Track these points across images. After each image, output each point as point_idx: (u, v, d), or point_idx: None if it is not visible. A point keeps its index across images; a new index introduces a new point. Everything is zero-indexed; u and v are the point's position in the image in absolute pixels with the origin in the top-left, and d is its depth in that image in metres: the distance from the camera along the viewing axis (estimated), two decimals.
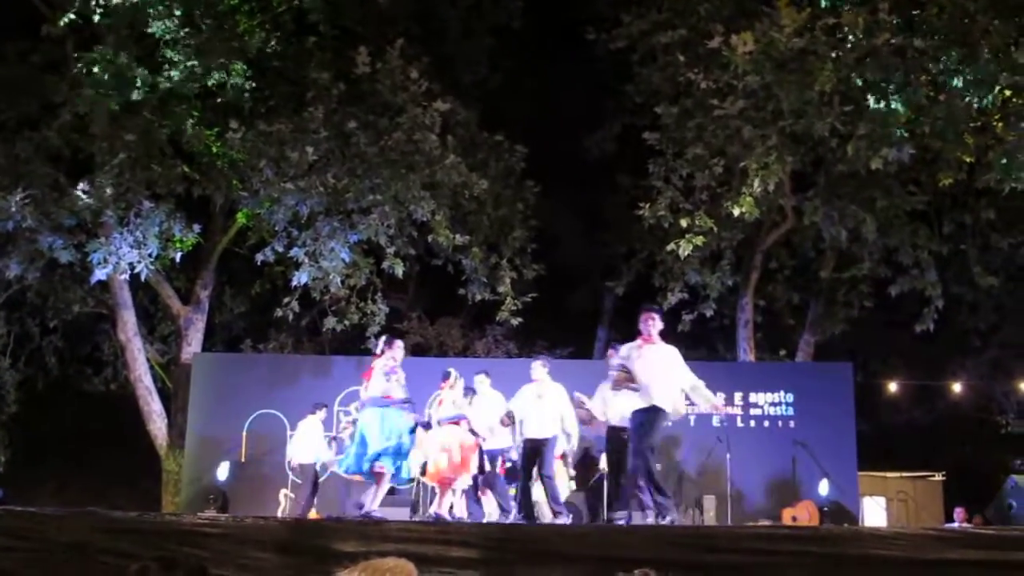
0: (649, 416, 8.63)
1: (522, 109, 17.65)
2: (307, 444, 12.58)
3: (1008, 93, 11.34)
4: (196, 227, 14.09)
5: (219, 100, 14.49)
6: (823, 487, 13.60)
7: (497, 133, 15.16)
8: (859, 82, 11.75)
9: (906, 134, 11.84)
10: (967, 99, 11.47)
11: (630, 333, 22.19)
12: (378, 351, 9.63)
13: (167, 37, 13.52)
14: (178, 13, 13.54)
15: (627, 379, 8.83)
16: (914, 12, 11.93)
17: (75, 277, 15.74)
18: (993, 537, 5.85)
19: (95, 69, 13.13)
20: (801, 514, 13.21)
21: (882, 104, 11.52)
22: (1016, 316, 18.75)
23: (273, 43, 15.04)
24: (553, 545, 4.89)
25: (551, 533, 6.37)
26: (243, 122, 13.54)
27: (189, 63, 13.37)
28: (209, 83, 13.72)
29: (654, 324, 8.90)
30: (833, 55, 11.68)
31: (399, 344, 9.79)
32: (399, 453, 9.34)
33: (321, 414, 12.92)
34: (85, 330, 19.14)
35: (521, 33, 16.98)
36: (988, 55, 11.07)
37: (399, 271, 13.94)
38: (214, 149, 14.39)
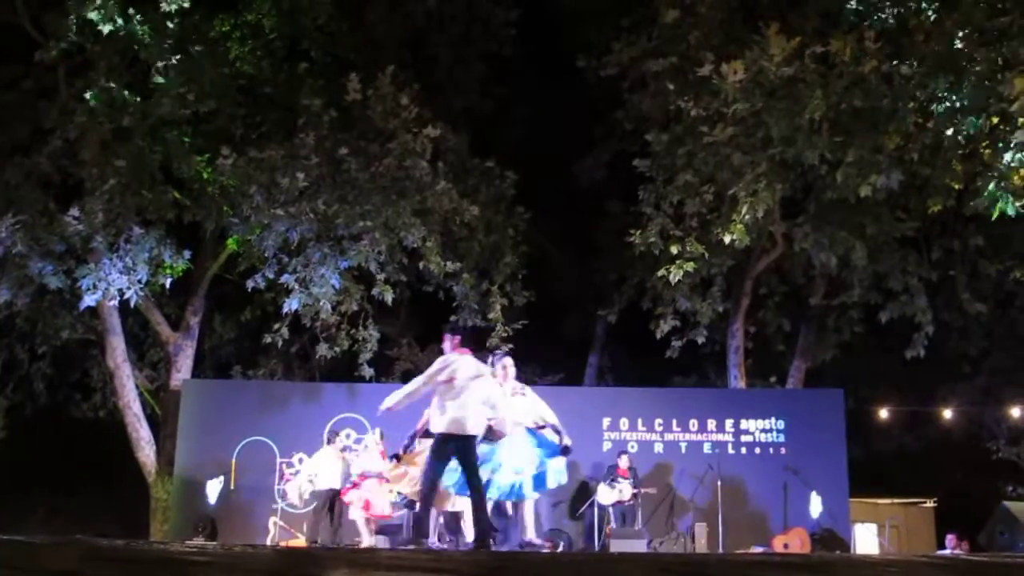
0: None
1: (513, 135, 17.71)
2: (328, 471, 12.24)
3: (996, 120, 11.40)
4: (186, 253, 14.08)
5: (210, 126, 14.52)
6: (815, 505, 13.57)
7: (488, 159, 15.21)
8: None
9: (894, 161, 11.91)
10: (955, 126, 11.55)
11: (622, 359, 22.25)
12: (497, 377, 9.28)
13: (158, 64, 13.57)
14: (170, 40, 13.59)
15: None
16: (901, 40, 12.02)
17: (64, 303, 15.68)
18: (985, 564, 5.84)
19: (86, 95, 13.16)
20: (792, 541, 13.19)
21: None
22: (1006, 342, 18.80)
23: (264, 69, 15.10)
24: (547, 574, 4.86)
25: (545, 562, 6.33)
26: (234, 148, 13.55)
27: (180, 89, 13.40)
28: (200, 109, 13.75)
29: (446, 345, 8.89)
30: (822, 83, 11.74)
31: (509, 362, 9.49)
32: (540, 476, 9.11)
33: (339, 441, 12.71)
34: (74, 356, 19.06)
35: (512, 60, 17.06)
36: (975, 82, 11.14)
37: (389, 298, 13.92)
38: (205, 175, 14.41)
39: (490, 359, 9.53)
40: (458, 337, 8.93)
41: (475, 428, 8.42)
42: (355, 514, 11.63)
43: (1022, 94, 10.10)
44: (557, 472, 9.29)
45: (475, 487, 8.38)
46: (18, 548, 5.14)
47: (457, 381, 8.44)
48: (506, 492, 8.98)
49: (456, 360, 8.59)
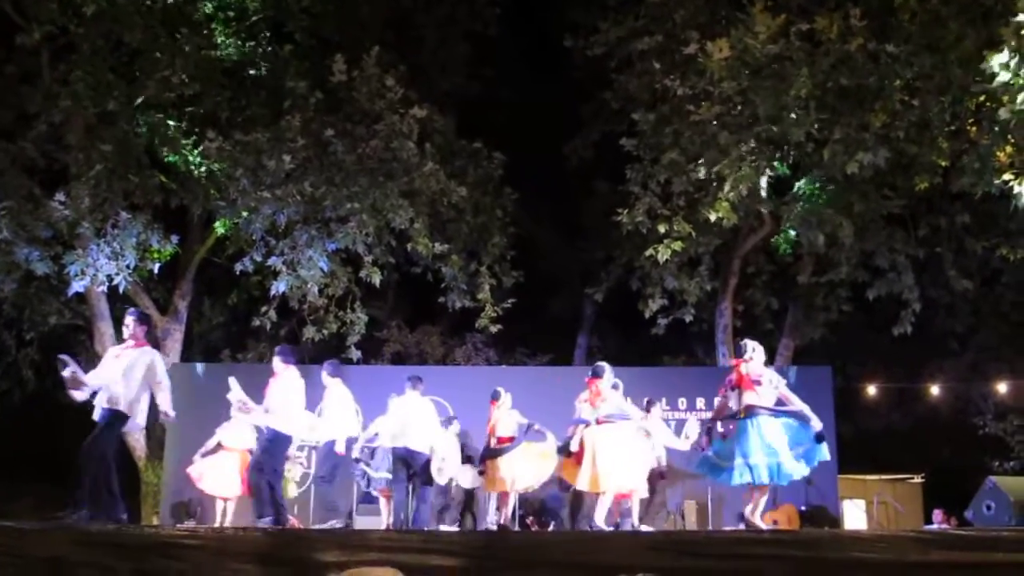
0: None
1: (500, 116, 17.67)
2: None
3: (982, 98, 11.40)
4: (174, 238, 14.01)
5: (195, 109, 14.44)
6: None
7: (475, 140, 15.16)
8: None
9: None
10: (942, 103, 11.55)
11: (611, 339, 22.29)
12: (746, 357, 9.12)
13: (143, 47, 13.48)
14: (154, 23, 13.51)
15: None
16: (887, 18, 12.00)
17: (51, 289, 15.60)
18: (973, 538, 5.88)
19: (71, 79, 13.07)
20: (781, 518, 13.24)
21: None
22: (992, 319, 18.87)
23: (249, 52, 15.02)
24: (536, 553, 4.89)
25: (534, 541, 6.36)
26: (220, 131, 13.49)
27: (165, 72, 13.32)
28: (185, 93, 13.67)
29: (127, 328, 9.18)
30: (808, 61, 11.72)
31: (758, 347, 9.28)
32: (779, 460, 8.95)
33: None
34: (62, 342, 18.96)
35: (498, 40, 17.01)
36: (958, 62, 11.15)
37: (376, 280, 13.91)
38: (191, 159, 14.34)
39: (747, 345, 9.26)
40: (144, 327, 9.26)
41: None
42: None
43: (1003, 71, 10.09)
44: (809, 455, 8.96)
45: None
46: (8, 534, 5.15)
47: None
48: (748, 477, 8.95)
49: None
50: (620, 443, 10.05)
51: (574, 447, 10.33)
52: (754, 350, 9.15)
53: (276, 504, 9.52)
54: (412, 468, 10.80)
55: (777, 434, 8.76)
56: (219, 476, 12.33)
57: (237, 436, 12.31)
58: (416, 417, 10.87)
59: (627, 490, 10.50)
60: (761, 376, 9.00)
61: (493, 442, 11.69)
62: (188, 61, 13.50)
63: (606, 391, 10.27)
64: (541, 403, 12.89)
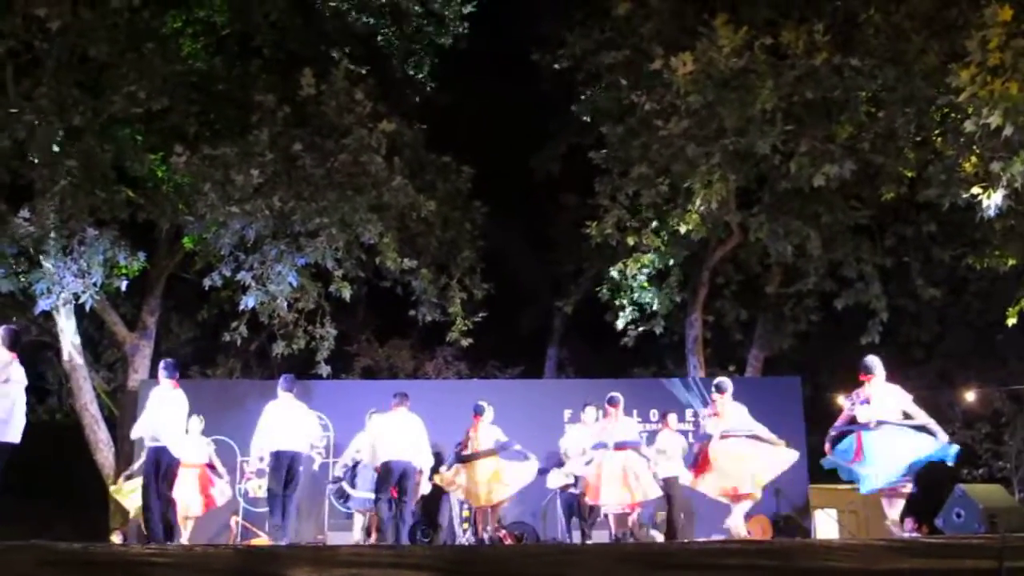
0: None
1: (468, 130, 17.69)
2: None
3: (947, 110, 11.52)
4: (141, 254, 13.92)
5: (163, 124, 14.36)
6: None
7: (444, 154, 15.17)
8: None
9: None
10: (907, 115, 11.66)
11: (581, 351, 22.32)
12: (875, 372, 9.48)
13: (109, 62, 13.39)
14: (120, 37, 13.42)
15: None
16: (851, 32, 12.12)
17: (18, 305, 15.44)
18: (942, 546, 5.92)
19: (35, 95, 12.96)
20: (754, 528, 13.26)
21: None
22: (959, 327, 19.03)
23: (217, 66, 14.96)
24: (508, 566, 4.88)
25: (507, 555, 6.35)
26: (187, 146, 13.41)
27: (132, 87, 13.23)
28: (152, 107, 13.59)
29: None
30: (773, 73, 11.80)
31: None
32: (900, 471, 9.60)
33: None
34: (29, 359, 18.73)
35: (466, 54, 17.03)
36: (922, 75, 11.28)
37: (346, 294, 13.87)
38: (159, 173, 14.24)
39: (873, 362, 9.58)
40: (10, 340, 9.05)
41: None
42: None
43: (968, 84, 10.22)
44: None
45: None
46: None
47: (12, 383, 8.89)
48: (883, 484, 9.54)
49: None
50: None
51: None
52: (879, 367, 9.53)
53: (158, 524, 9.37)
54: (403, 483, 10.69)
55: (896, 445, 9.44)
56: (182, 494, 12.03)
57: (194, 451, 11.93)
58: (409, 432, 10.78)
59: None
60: (871, 395, 9.46)
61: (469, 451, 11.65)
62: (155, 76, 13.40)
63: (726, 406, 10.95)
64: (514, 415, 12.89)
